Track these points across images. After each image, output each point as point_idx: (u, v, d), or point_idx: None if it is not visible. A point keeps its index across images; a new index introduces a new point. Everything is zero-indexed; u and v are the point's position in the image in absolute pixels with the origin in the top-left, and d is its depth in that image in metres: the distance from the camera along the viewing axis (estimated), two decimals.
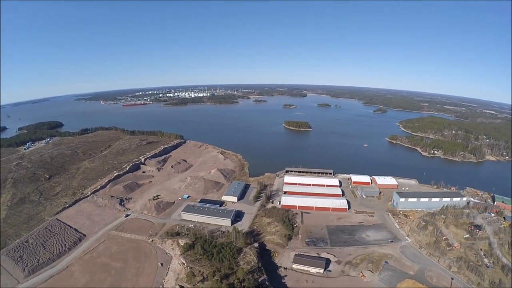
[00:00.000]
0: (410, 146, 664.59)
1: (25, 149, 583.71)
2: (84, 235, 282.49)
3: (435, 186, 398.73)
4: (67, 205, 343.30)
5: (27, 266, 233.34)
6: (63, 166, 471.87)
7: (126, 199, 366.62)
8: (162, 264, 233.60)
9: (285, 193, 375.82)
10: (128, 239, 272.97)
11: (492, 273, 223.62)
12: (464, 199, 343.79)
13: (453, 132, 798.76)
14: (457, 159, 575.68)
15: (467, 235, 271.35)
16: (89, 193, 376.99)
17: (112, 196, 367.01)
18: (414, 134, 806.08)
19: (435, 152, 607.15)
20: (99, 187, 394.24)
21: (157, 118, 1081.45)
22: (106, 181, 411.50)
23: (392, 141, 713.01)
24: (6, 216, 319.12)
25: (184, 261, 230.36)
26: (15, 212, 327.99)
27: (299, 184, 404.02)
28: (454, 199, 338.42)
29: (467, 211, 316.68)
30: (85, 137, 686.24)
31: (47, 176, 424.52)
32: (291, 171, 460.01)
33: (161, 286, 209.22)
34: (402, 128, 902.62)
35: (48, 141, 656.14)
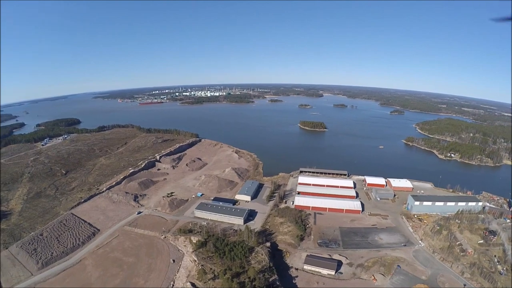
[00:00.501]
0: (426, 149, 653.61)
1: (42, 145, 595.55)
2: (98, 230, 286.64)
3: (451, 190, 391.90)
4: (82, 200, 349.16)
5: (41, 259, 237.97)
6: (79, 162, 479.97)
7: (140, 195, 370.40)
8: (174, 261, 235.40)
9: (298, 193, 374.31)
10: (141, 235, 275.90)
11: (505, 280, 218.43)
12: (480, 204, 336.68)
13: (471, 135, 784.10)
14: (474, 163, 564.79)
15: (482, 241, 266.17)
16: (104, 189, 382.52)
17: (127, 193, 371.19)
18: (431, 136, 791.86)
19: (452, 155, 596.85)
20: (114, 183, 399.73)
21: (173, 117, 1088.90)
22: (122, 177, 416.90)
23: (409, 143, 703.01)
24: (22, 210, 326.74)
25: (196, 259, 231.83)
26: (31, 206, 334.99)
27: (313, 184, 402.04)
28: (470, 203, 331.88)
29: (482, 216, 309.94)
30: (102, 134, 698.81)
31: (64, 172, 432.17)
32: (305, 172, 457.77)
33: (172, 283, 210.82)
34: (419, 130, 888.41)
35: (65, 137, 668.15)
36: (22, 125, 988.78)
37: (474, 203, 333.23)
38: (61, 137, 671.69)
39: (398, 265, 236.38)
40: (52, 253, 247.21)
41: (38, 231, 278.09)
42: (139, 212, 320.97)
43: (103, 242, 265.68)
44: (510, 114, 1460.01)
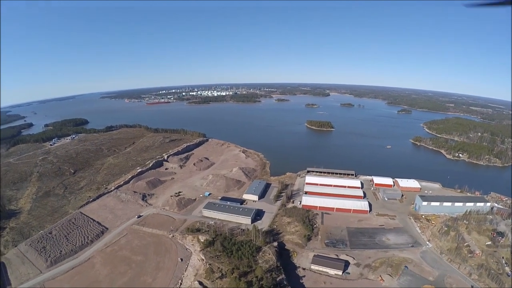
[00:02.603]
0: (434, 148, 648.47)
1: (51, 145, 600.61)
2: (107, 229, 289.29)
3: (459, 190, 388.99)
4: (91, 199, 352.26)
5: (50, 257, 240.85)
6: (87, 161, 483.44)
7: (148, 194, 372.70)
8: (182, 260, 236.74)
9: (306, 193, 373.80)
10: (149, 234, 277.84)
11: None
12: (488, 204, 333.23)
13: (479, 134, 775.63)
14: (482, 163, 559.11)
15: (489, 242, 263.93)
16: (113, 188, 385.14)
17: (135, 192, 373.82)
18: (439, 136, 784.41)
19: (460, 155, 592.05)
20: (122, 182, 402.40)
21: (180, 116, 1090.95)
22: (130, 177, 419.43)
23: (416, 142, 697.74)
24: (31, 208, 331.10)
25: (203, 257, 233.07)
26: (40, 205, 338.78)
27: (320, 184, 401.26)
28: (478, 204, 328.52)
29: (491, 217, 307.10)
30: (110, 134, 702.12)
31: (72, 171, 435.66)
32: (313, 171, 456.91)
33: (180, 281, 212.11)
34: (426, 130, 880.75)
35: (73, 137, 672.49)
36: (30, 125, 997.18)
37: (482, 204, 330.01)
38: (69, 137, 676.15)
39: (406, 266, 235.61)
40: (61, 251, 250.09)
41: (47, 230, 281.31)
42: (139, 216, 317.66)
43: (112, 241, 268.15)
44: None
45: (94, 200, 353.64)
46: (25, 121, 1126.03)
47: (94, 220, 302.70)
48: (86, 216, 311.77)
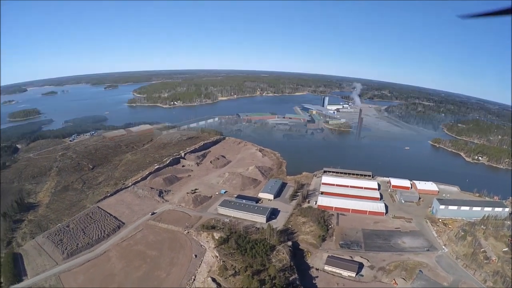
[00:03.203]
0: (453, 151, 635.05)
1: (70, 141, 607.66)
2: (123, 223, 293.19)
3: (477, 194, 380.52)
4: (109, 194, 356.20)
5: (66, 249, 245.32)
6: (106, 157, 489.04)
7: (165, 191, 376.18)
8: (196, 256, 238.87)
9: (322, 193, 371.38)
10: (165, 230, 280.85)
11: None
12: (507, 209, 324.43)
13: (499, 137, 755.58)
14: (502, 166, 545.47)
15: (506, 249, 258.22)
16: (130, 184, 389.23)
17: (152, 188, 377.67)
18: (459, 138, 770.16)
19: (479, 158, 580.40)
20: (139, 178, 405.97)
21: (197, 114, 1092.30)
22: (147, 173, 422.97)
23: (435, 144, 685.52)
24: (50, 202, 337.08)
25: (217, 254, 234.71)
26: (59, 199, 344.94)
27: (337, 185, 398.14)
28: (496, 209, 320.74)
29: (509, 222, 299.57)
30: (128, 131, 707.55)
31: (91, 166, 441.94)
32: (329, 172, 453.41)
33: (193, 277, 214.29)
34: (446, 131, 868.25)
35: (92, 133, 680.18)
36: (50, 121, 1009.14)
37: (500, 209, 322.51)
38: (88, 133, 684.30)
39: (420, 270, 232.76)
40: (78, 244, 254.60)
41: (64, 223, 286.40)
42: (153, 213, 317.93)
43: (128, 235, 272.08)
44: None
45: (111, 195, 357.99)
46: (45, 117, 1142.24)
47: (111, 215, 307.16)
48: (103, 210, 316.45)
